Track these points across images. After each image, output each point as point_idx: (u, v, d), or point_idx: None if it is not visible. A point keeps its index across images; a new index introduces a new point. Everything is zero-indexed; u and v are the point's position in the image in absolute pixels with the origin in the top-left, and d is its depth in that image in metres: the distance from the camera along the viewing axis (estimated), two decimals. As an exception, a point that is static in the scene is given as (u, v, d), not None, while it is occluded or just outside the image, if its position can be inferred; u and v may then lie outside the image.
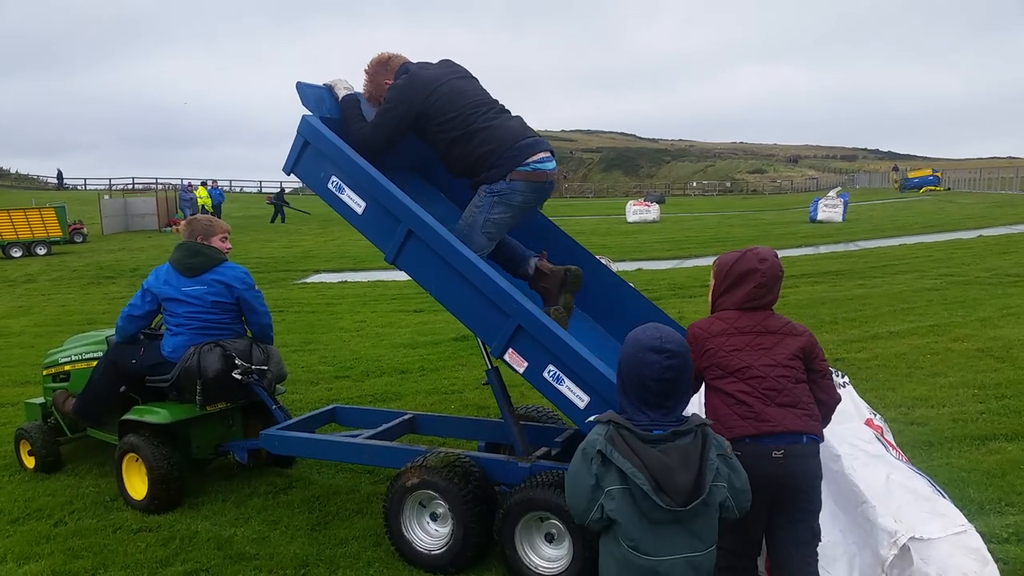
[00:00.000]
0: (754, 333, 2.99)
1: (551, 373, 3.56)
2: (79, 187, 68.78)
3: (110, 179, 66.14)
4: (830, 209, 26.84)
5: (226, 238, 5.08)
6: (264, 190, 68.25)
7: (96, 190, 57.69)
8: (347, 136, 4.08)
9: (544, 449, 4.18)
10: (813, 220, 26.81)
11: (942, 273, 13.09)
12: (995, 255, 15.24)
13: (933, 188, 51.88)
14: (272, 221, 35.19)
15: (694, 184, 77.92)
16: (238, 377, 4.72)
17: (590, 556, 3.40)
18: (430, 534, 3.99)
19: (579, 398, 3.52)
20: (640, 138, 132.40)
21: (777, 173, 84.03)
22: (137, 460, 4.78)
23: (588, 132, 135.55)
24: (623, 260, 16.68)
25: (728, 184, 76.66)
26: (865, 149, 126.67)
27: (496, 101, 4.15)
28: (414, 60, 4.22)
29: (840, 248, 18.59)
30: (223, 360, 4.68)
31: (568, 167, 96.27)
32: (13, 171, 72.38)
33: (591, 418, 2.54)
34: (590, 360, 3.47)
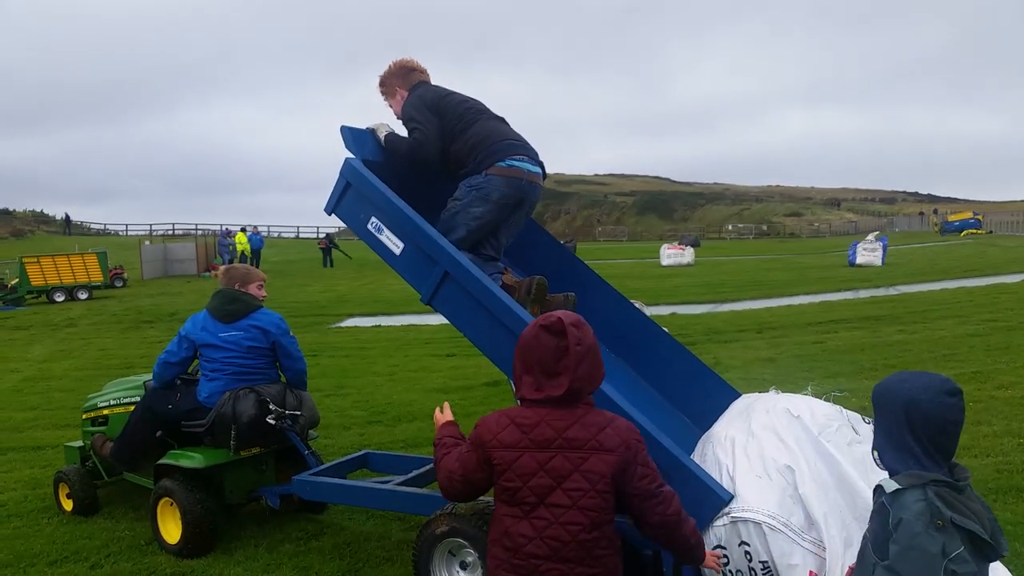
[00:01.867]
0: (553, 450, 2.44)
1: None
2: (120, 232, 70.62)
3: (151, 225, 67.96)
4: (869, 253, 26.53)
5: (262, 286, 5.18)
6: (301, 235, 69.43)
7: (137, 236, 59.16)
8: (398, 151, 4.27)
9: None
10: (852, 264, 26.49)
11: (985, 318, 12.80)
12: (1040, 299, 14.89)
13: (974, 231, 51.06)
14: (325, 265, 35.74)
15: (729, 227, 77.52)
16: (271, 422, 4.77)
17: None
18: (460, 583, 3.95)
19: (612, 445, 3.49)
20: (675, 182, 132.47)
21: (815, 216, 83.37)
22: (171, 504, 4.81)
23: (622, 176, 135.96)
24: (657, 304, 16.61)
25: (764, 227, 76.15)
26: (904, 192, 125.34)
27: (493, 112, 4.38)
28: None
29: (880, 292, 18.31)
30: (257, 405, 4.74)
31: (602, 210, 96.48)
32: (59, 217, 74.60)
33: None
34: (623, 406, 3.44)
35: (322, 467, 4.94)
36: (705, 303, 17.81)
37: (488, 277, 3.88)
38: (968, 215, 56.36)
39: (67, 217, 69.83)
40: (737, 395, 4.46)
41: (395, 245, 4.03)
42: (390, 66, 4.47)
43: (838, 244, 44.10)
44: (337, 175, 4.18)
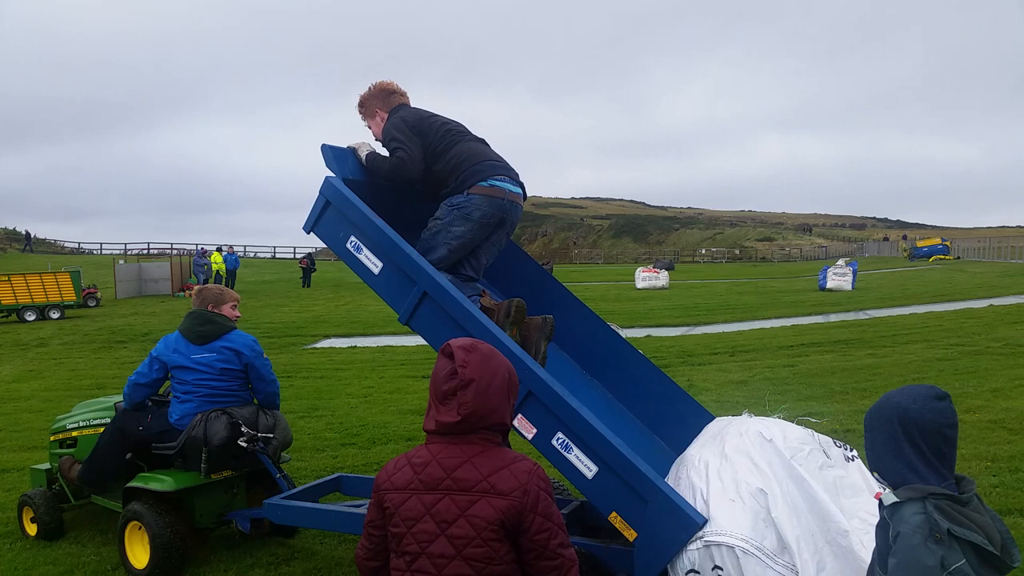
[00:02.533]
0: (441, 492, 2.17)
1: (560, 441, 3.55)
2: (94, 251, 69.75)
3: (125, 244, 67.16)
4: (839, 278, 26.88)
5: (236, 306, 5.14)
6: (278, 255, 69.01)
7: (111, 254, 58.46)
8: (380, 171, 4.27)
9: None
10: (822, 288, 26.82)
11: (953, 343, 13.00)
12: (1006, 325, 15.14)
13: (943, 257, 51.91)
14: (304, 285, 35.59)
15: (703, 251, 78.25)
16: (243, 445, 4.71)
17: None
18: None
19: (587, 468, 3.50)
20: (649, 205, 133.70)
21: (786, 241, 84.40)
22: (140, 528, 4.73)
23: (598, 199, 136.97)
24: (632, 327, 16.68)
25: (737, 252, 76.96)
26: (874, 218, 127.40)
27: (474, 134, 4.43)
28: None
29: (850, 317, 18.53)
30: (229, 428, 4.69)
31: (578, 233, 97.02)
32: (32, 235, 73.45)
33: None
34: (600, 429, 3.45)
35: (294, 490, 4.89)
36: (679, 326, 17.92)
37: (467, 299, 3.89)
38: (936, 241, 57.34)
39: (27, 234, 68.37)
40: (711, 418, 4.50)
41: (374, 264, 4.03)
42: (370, 88, 4.50)
43: (809, 269, 44.64)
44: (317, 194, 4.18)
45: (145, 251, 65.58)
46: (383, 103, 4.44)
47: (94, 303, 28.45)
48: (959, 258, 52.95)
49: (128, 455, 4.99)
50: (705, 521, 3.26)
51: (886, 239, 75.27)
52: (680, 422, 4.59)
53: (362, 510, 4.46)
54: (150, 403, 5.09)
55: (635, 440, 4.40)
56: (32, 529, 5.49)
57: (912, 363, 11.24)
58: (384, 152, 4.35)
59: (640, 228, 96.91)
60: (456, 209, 4.11)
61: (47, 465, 5.80)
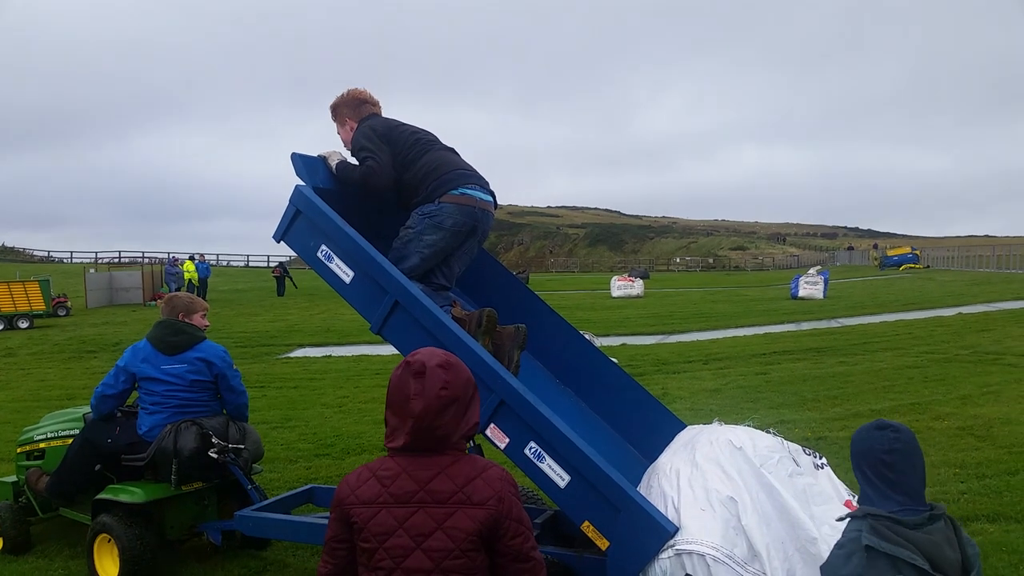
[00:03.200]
0: (414, 505, 2.14)
1: (532, 450, 3.56)
2: (65, 260, 68.83)
3: (96, 252, 66.35)
4: (811, 286, 27.15)
5: (205, 315, 5.10)
6: (251, 264, 68.49)
7: (82, 263, 57.68)
8: (351, 180, 4.27)
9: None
10: (794, 297, 27.07)
11: (923, 351, 13.19)
12: (974, 333, 15.39)
13: (912, 266, 52.61)
14: (279, 294, 35.31)
15: (677, 260, 78.79)
16: (214, 456, 4.67)
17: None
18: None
19: (560, 477, 3.51)
20: (625, 214, 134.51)
21: (759, 250, 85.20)
22: (109, 541, 4.67)
23: (574, 208, 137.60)
24: (607, 335, 16.74)
25: (711, 260, 77.57)
26: (846, 227, 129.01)
27: (444, 143, 4.45)
28: None
29: (822, 325, 18.73)
30: (199, 439, 4.64)
31: (554, 242, 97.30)
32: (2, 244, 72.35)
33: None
34: (572, 438, 3.47)
35: (266, 502, 4.86)
36: (654, 334, 18.01)
37: (439, 308, 3.89)
38: (907, 250, 58.00)
39: None
40: (683, 426, 4.53)
41: (345, 274, 4.02)
42: (343, 95, 4.50)
43: (781, 277, 45.06)
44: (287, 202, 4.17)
45: (116, 260, 64.81)
46: (354, 112, 4.45)
47: (64, 312, 28.04)
48: (929, 267, 53.67)
49: (97, 467, 4.92)
50: (676, 530, 3.29)
51: (850, 248, 76.50)
52: (653, 430, 4.62)
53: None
54: (119, 414, 5.03)
55: (608, 449, 4.42)
56: (-3, 543, 5.39)
57: (883, 371, 11.39)
58: (354, 161, 4.36)
59: (615, 237, 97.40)
60: (427, 218, 4.12)
61: (14, 478, 5.70)
